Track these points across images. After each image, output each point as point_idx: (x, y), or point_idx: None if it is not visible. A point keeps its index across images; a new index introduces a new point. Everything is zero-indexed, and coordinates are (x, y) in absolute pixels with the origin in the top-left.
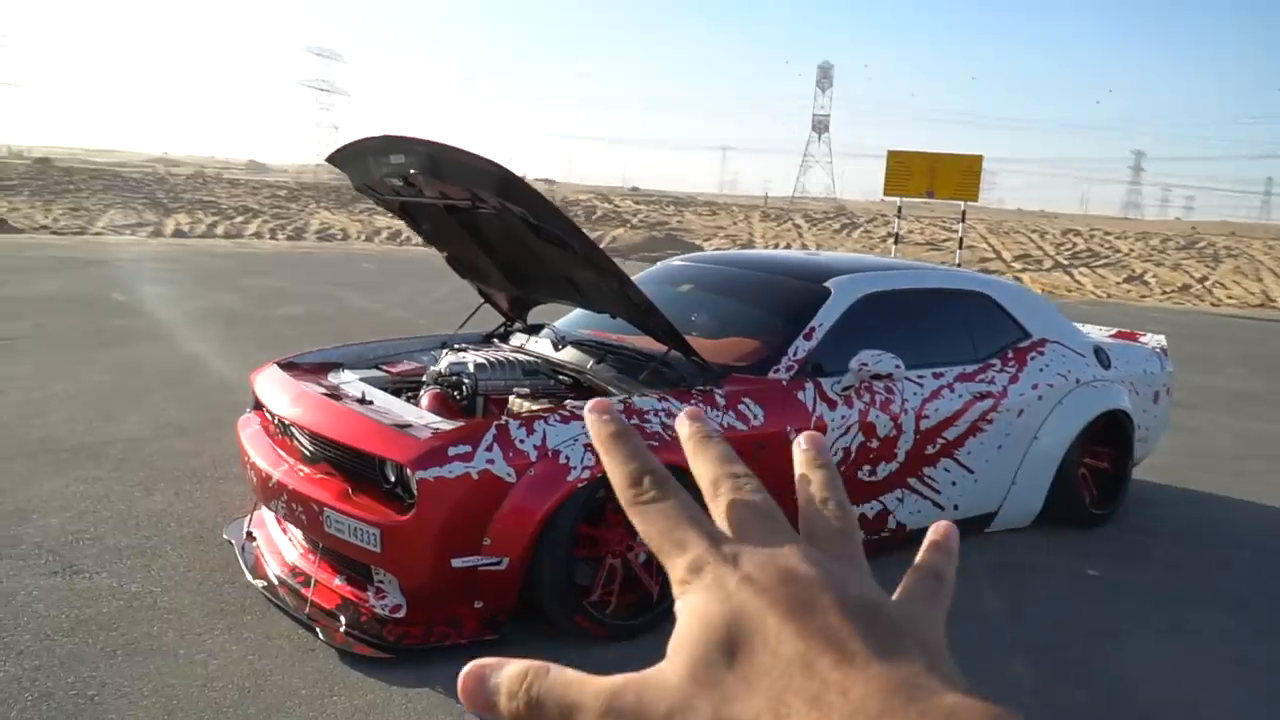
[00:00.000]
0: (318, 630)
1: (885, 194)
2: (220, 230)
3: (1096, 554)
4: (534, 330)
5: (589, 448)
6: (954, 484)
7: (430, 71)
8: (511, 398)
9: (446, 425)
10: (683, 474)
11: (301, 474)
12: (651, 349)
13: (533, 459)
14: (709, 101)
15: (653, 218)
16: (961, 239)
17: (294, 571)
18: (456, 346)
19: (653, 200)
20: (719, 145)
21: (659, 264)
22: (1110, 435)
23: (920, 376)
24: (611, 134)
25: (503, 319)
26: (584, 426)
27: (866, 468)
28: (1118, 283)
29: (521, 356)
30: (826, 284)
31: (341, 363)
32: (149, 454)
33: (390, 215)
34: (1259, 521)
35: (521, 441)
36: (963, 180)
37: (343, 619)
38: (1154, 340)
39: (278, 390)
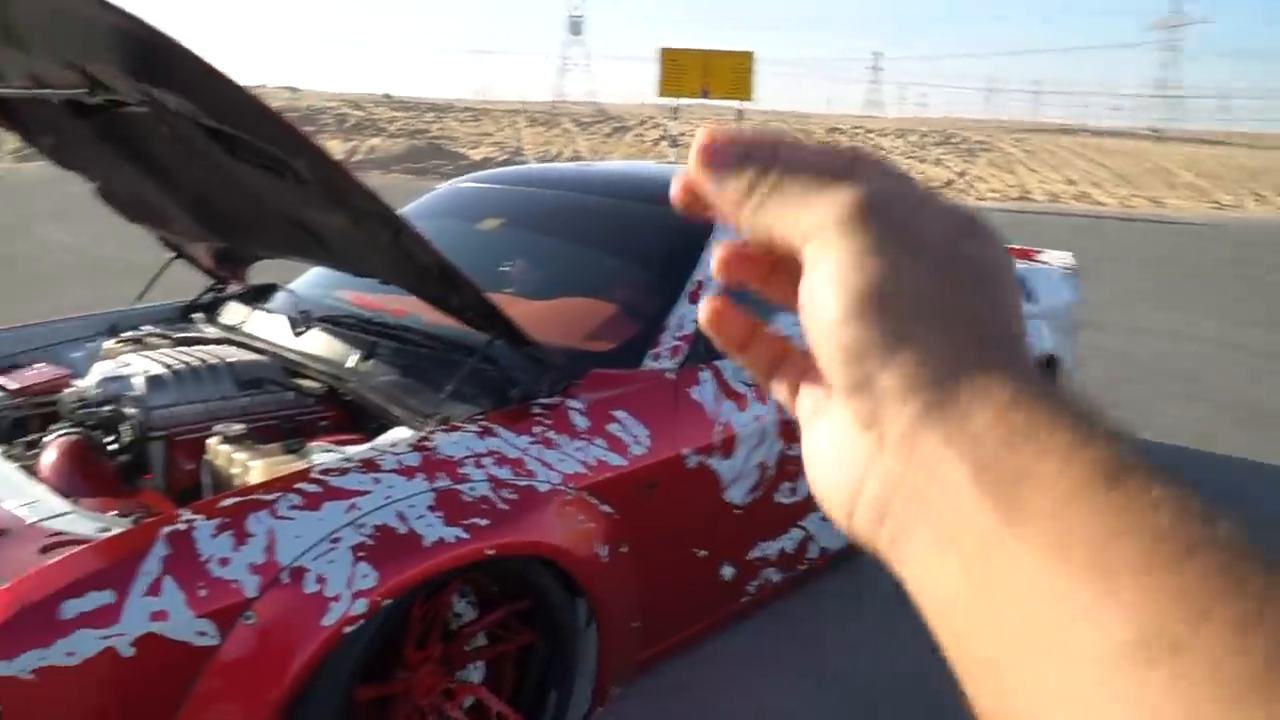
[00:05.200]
0: None
1: (661, 94)
2: None
3: None
4: (261, 295)
5: (360, 550)
6: None
7: None
8: (211, 442)
9: (80, 528)
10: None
11: None
12: (456, 330)
13: (249, 593)
14: (459, 2)
15: (412, 125)
16: None
17: None
18: (128, 336)
19: (409, 107)
20: (472, 49)
21: (441, 188)
22: None
23: None
24: (356, 37)
25: (210, 281)
26: (349, 505)
27: (787, 486)
28: None
29: (235, 353)
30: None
31: None
32: None
33: None
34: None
35: (224, 561)
36: (736, 78)
37: None
38: (1059, 259)
39: None
